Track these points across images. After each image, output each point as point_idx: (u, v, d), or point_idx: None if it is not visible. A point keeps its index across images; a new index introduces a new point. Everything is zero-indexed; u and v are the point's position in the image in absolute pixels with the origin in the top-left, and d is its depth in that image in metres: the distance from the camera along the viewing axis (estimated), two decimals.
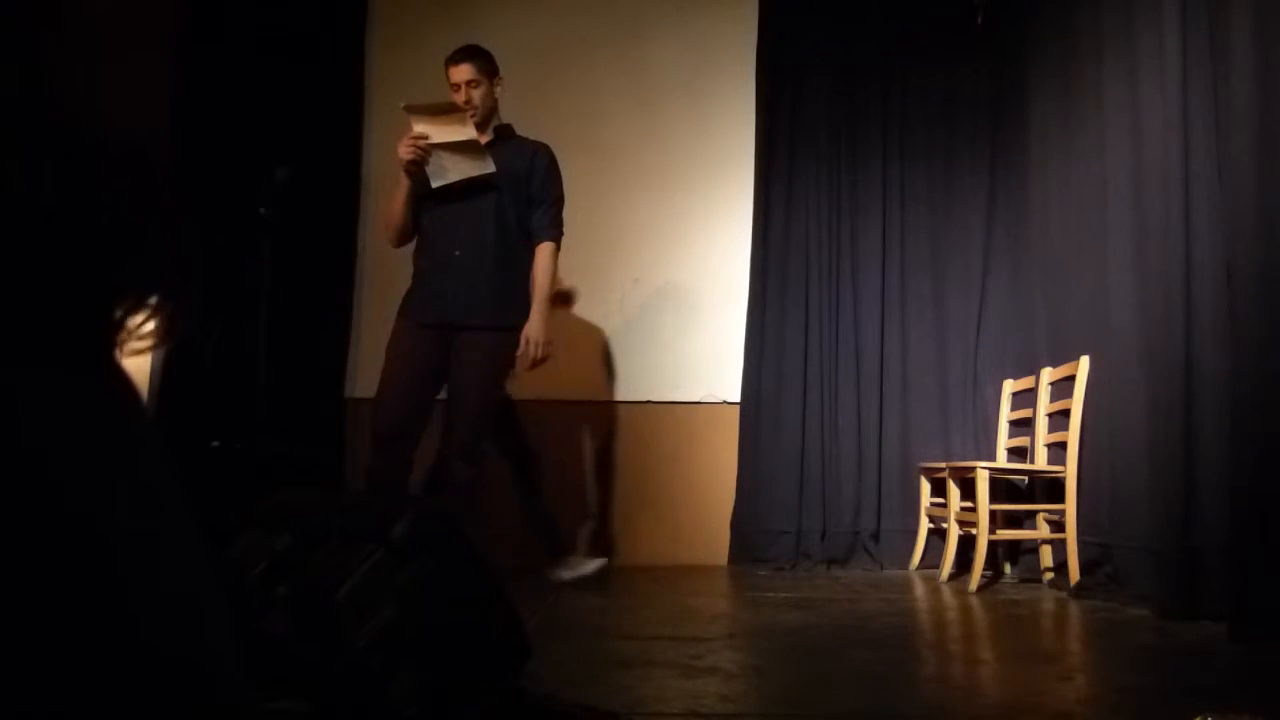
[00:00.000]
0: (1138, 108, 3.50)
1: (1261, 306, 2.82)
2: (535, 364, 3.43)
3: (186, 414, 4.32)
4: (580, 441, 4.90)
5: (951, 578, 4.15)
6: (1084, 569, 3.77)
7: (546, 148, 3.62)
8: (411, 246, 3.58)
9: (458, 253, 3.42)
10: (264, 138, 4.43)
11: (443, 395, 3.50)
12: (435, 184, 3.40)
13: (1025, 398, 4.36)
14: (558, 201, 3.58)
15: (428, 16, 5.07)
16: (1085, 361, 3.86)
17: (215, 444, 4.27)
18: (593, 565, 3.94)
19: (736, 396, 4.85)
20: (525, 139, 3.64)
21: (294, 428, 4.22)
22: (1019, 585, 4.13)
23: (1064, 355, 4.10)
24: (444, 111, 3.40)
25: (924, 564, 4.55)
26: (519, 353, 3.39)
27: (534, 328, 3.40)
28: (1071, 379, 3.91)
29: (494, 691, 1.75)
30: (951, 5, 4.83)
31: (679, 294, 4.97)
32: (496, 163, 3.42)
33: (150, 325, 0.47)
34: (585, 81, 5.04)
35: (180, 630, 0.43)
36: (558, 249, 3.56)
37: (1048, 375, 4.20)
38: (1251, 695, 2.21)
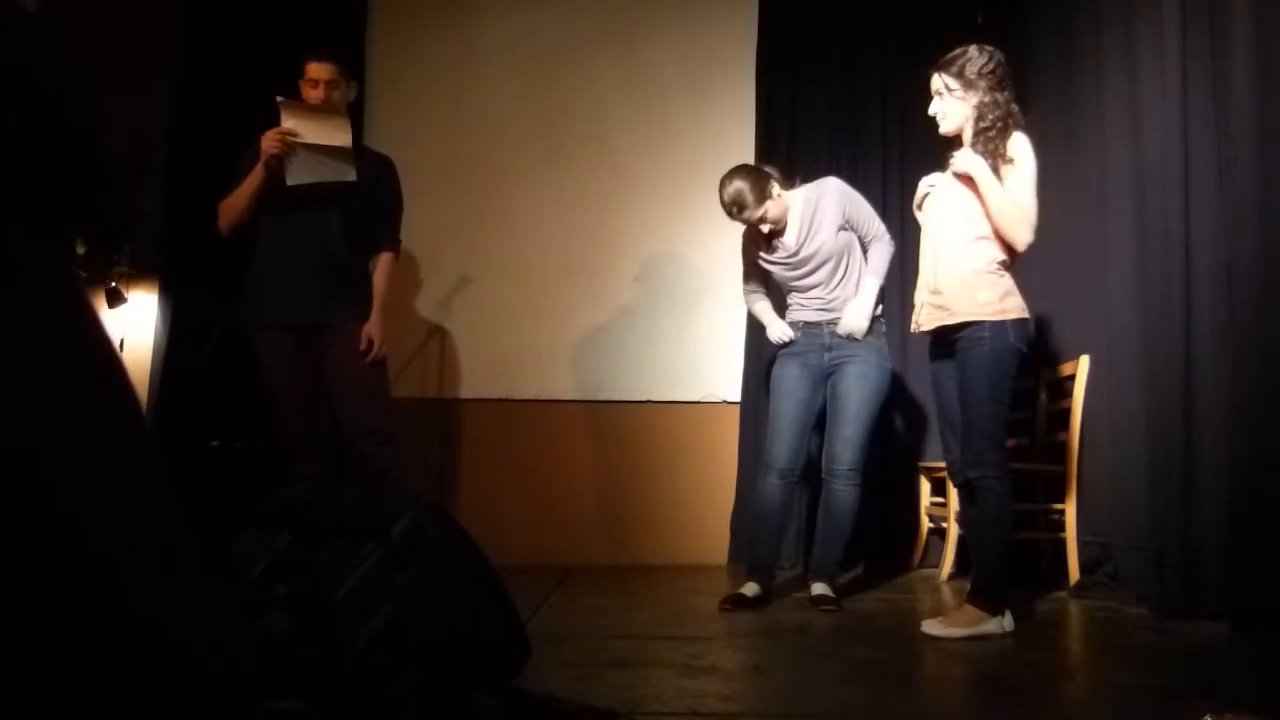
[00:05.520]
0: (1138, 108, 3.50)
1: (1262, 307, 2.81)
2: (375, 361, 3.53)
3: (186, 414, 4.32)
4: (580, 441, 4.90)
5: (951, 578, 4.14)
6: (1084, 569, 3.76)
7: (389, 160, 3.68)
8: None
9: (306, 255, 3.45)
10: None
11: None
12: (291, 182, 3.37)
13: (1025, 398, 4.35)
14: (399, 213, 3.69)
15: (428, 17, 5.07)
16: (1085, 361, 3.85)
17: (215, 444, 4.27)
18: None
19: (736, 396, 4.85)
20: (367, 148, 3.69)
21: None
22: (1019, 585, 4.12)
23: (1064, 355, 4.10)
24: (321, 113, 3.40)
25: (924, 564, 4.56)
26: (361, 348, 3.47)
27: (375, 326, 3.51)
28: (1071, 379, 3.91)
29: (494, 691, 1.75)
30: (951, 5, 4.82)
31: (679, 294, 4.96)
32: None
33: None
34: (585, 82, 5.04)
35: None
36: (397, 258, 3.69)
37: (1048, 375, 4.20)
38: (1251, 695, 2.21)
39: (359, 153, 3.52)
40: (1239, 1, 2.93)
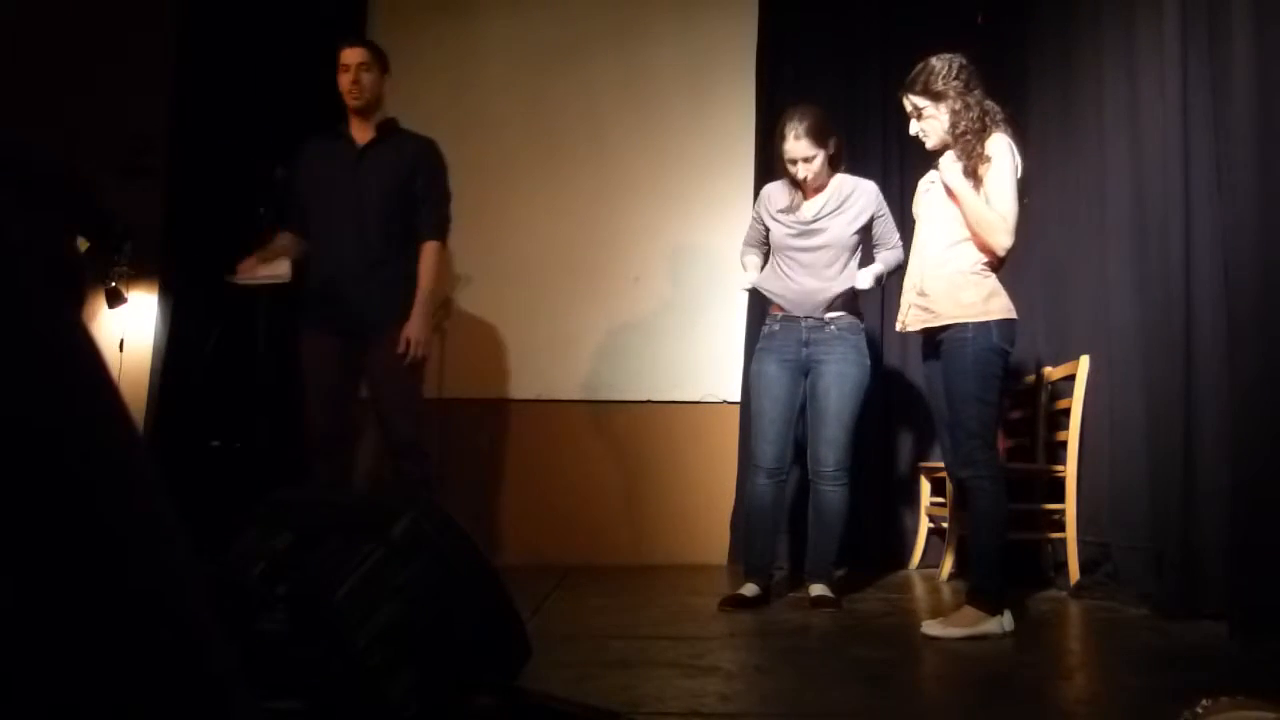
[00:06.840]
0: (1138, 108, 3.50)
1: (1261, 306, 2.81)
2: (414, 364, 3.42)
3: (186, 414, 4.32)
4: (580, 441, 4.90)
5: (951, 578, 4.15)
6: (1084, 569, 3.77)
7: (431, 142, 3.55)
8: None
9: (346, 260, 3.43)
10: (264, 138, 4.43)
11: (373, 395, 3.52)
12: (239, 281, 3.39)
13: (1025, 397, 4.36)
14: (443, 199, 3.54)
15: (428, 18, 5.07)
16: (1085, 361, 3.86)
17: (215, 444, 4.27)
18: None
19: (736, 396, 4.85)
20: (408, 133, 3.56)
21: (294, 428, 4.22)
22: (1020, 585, 4.13)
23: (1064, 355, 4.10)
24: (266, 256, 3.40)
25: (924, 564, 4.56)
26: (399, 351, 3.37)
27: (414, 328, 3.39)
28: (1071, 379, 3.91)
29: (494, 691, 1.75)
30: (952, 5, 4.83)
31: (679, 294, 4.97)
32: (375, 163, 3.45)
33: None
34: (585, 82, 5.04)
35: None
36: (443, 246, 3.56)
37: (1048, 375, 4.20)
38: (1252, 695, 2.21)
39: (394, 140, 3.50)
40: (1239, 1, 2.93)
